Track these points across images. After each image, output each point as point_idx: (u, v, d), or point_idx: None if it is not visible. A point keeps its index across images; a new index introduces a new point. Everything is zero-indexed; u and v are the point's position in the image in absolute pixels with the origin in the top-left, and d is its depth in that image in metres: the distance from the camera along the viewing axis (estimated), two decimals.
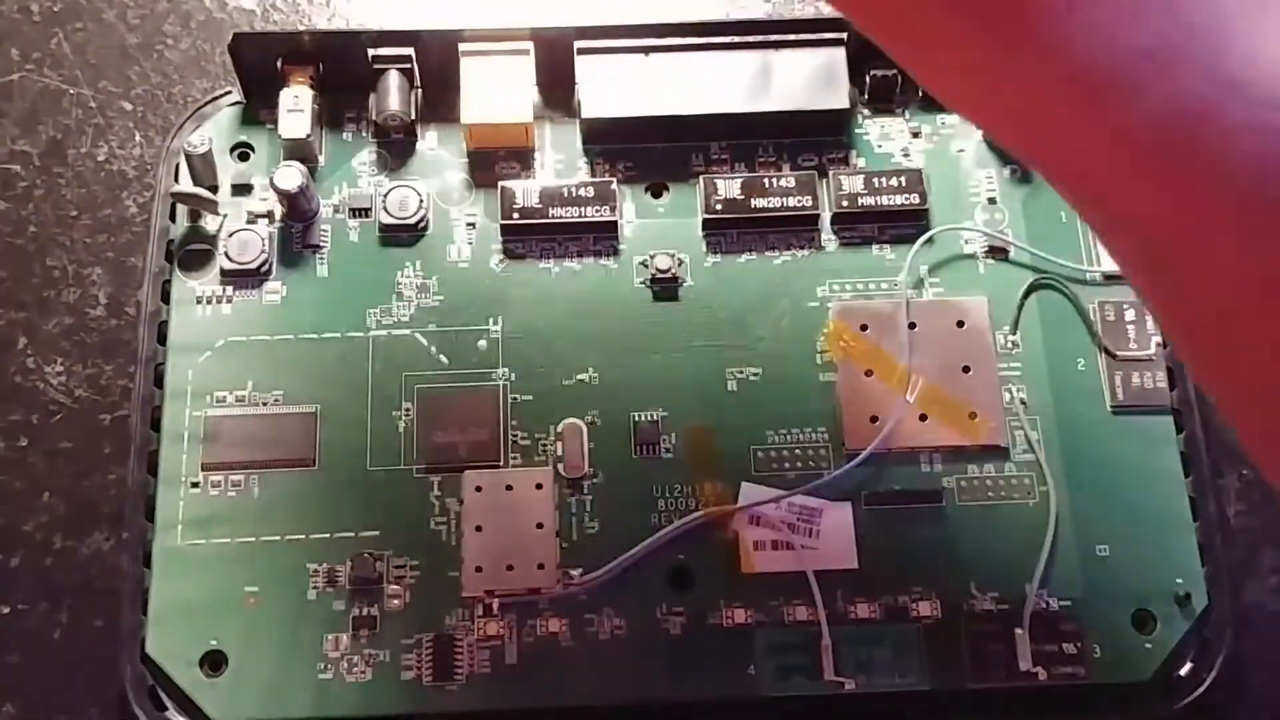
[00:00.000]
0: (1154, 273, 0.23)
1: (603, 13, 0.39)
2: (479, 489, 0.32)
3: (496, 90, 0.36)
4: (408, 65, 0.36)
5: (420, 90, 0.37)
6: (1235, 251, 0.20)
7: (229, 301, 0.35)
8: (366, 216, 0.36)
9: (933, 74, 0.23)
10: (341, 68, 0.36)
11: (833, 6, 0.23)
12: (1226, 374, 0.22)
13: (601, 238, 0.35)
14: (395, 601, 0.32)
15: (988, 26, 0.20)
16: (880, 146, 0.37)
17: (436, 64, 0.36)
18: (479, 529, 0.32)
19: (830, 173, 0.36)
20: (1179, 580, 0.32)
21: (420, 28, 0.36)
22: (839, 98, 0.36)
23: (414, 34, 0.36)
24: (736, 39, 0.36)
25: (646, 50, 0.36)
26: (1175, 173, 0.20)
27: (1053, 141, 0.22)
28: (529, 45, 0.36)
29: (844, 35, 0.36)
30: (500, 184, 0.35)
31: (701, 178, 0.36)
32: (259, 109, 0.36)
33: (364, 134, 0.37)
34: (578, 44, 0.36)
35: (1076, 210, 0.23)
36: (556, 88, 0.36)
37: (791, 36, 0.36)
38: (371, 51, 0.36)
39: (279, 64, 0.36)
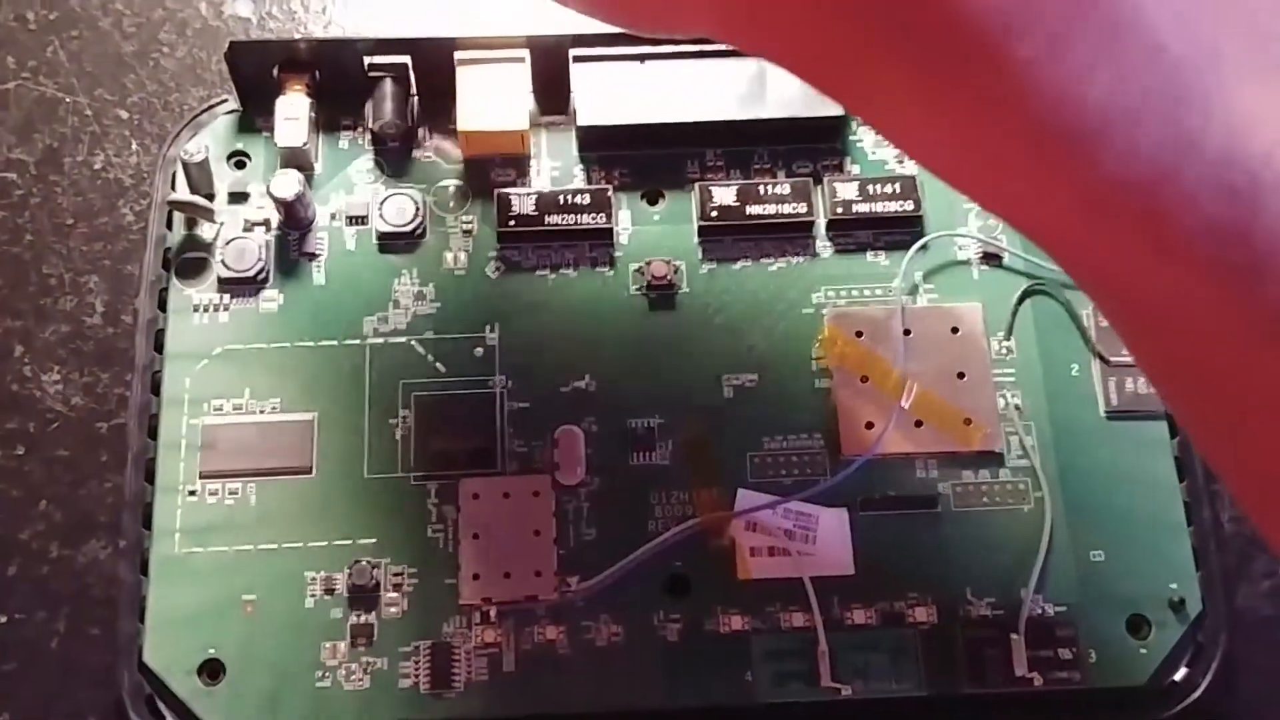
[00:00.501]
0: (1136, 335, 0.23)
1: (598, 21, 0.39)
2: (476, 496, 0.32)
3: (492, 98, 0.36)
4: (404, 73, 0.36)
5: (416, 98, 0.37)
6: (1211, 318, 0.20)
7: (226, 309, 0.35)
8: (363, 224, 0.36)
9: (887, 127, 0.22)
10: (338, 76, 0.36)
11: (770, 61, 0.23)
12: (1219, 444, 0.22)
13: (597, 245, 0.36)
14: (393, 609, 0.32)
15: (944, 81, 0.20)
16: (874, 153, 0.37)
17: (432, 72, 0.36)
18: (476, 536, 0.32)
19: (825, 179, 0.36)
20: (1173, 585, 0.32)
21: (416, 36, 0.36)
22: (834, 105, 0.36)
23: (410, 42, 0.36)
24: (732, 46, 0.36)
25: (642, 58, 0.36)
26: (1140, 237, 0.19)
27: (1017, 201, 0.21)
28: (524, 53, 0.36)
29: None
30: (496, 191, 0.36)
31: (697, 185, 0.36)
32: (255, 117, 0.36)
33: (360, 142, 0.37)
34: (573, 52, 0.36)
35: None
36: (552, 95, 0.37)
37: None
38: (368, 59, 0.36)
39: (275, 72, 0.36)
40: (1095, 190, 0.19)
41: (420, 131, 0.37)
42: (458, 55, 0.35)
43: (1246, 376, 0.20)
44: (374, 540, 0.32)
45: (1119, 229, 0.19)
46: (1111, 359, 0.34)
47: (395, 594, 0.32)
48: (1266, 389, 0.20)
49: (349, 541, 0.32)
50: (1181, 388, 0.22)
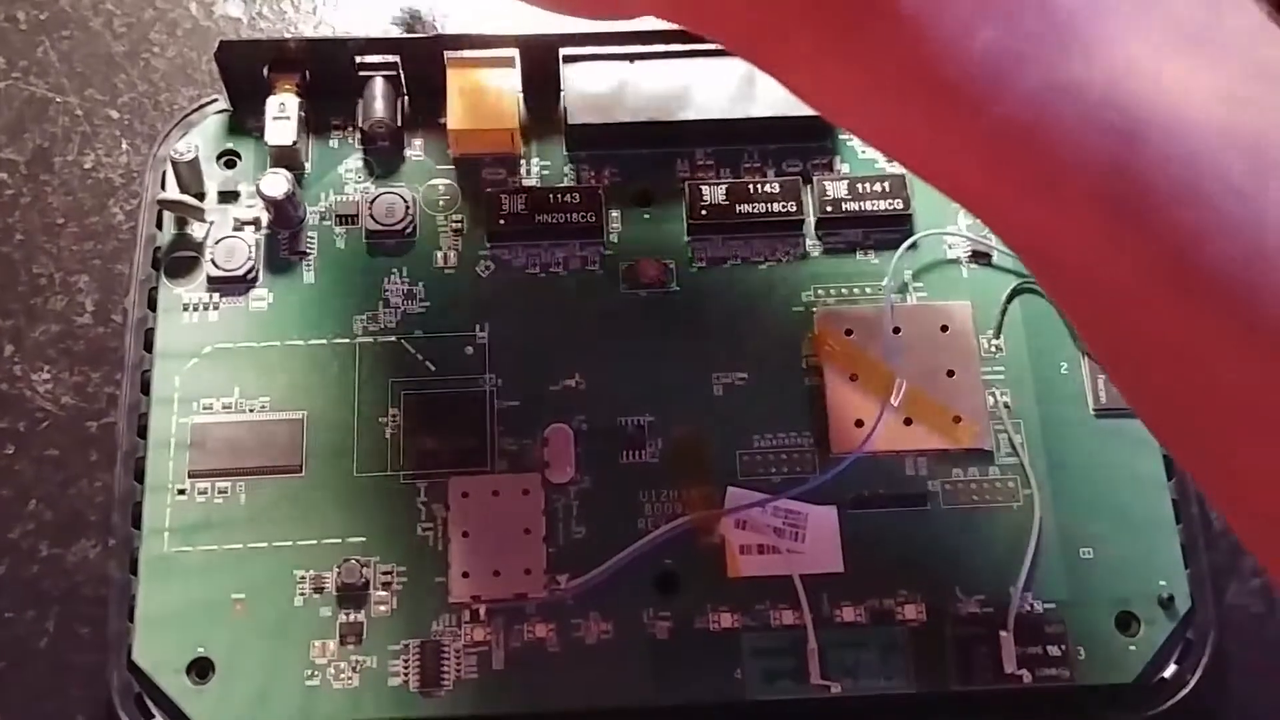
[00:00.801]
0: (1051, 284, 0.23)
1: (588, 21, 0.39)
2: (466, 495, 0.32)
3: (482, 96, 0.36)
4: (394, 73, 0.36)
5: (406, 97, 0.37)
6: (1108, 264, 0.20)
7: (216, 308, 0.35)
8: (353, 223, 0.36)
9: (806, 91, 0.23)
10: (328, 75, 0.36)
11: (666, 18, 0.24)
12: (1153, 413, 0.23)
13: (587, 244, 0.36)
14: (382, 608, 0.32)
15: (847, 40, 0.20)
16: (864, 152, 0.37)
17: (423, 71, 0.36)
18: (466, 535, 0.32)
19: (814, 178, 0.36)
20: (1162, 582, 0.32)
21: (405, 36, 0.36)
22: None
23: (400, 41, 0.36)
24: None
25: (631, 58, 0.36)
26: (1032, 178, 0.20)
27: (925, 155, 0.22)
28: (514, 53, 0.36)
29: None
30: (486, 190, 0.36)
31: (687, 184, 0.36)
32: (246, 116, 0.36)
33: (350, 141, 0.37)
34: (563, 51, 0.36)
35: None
36: (542, 95, 0.36)
37: None
38: (358, 59, 0.36)
39: (265, 72, 0.36)
40: (987, 135, 0.20)
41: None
42: (448, 55, 0.35)
43: (1153, 324, 0.20)
44: (363, 539, 0.32)
45: (1013, 173, 0.20)
46: None
47: (384, 592, 0.32)
48: (1170, 336, 0.20)
49: (338, 540, 0.32)
50: (1109, 351, 0.23)
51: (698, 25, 0.24)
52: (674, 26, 0.35)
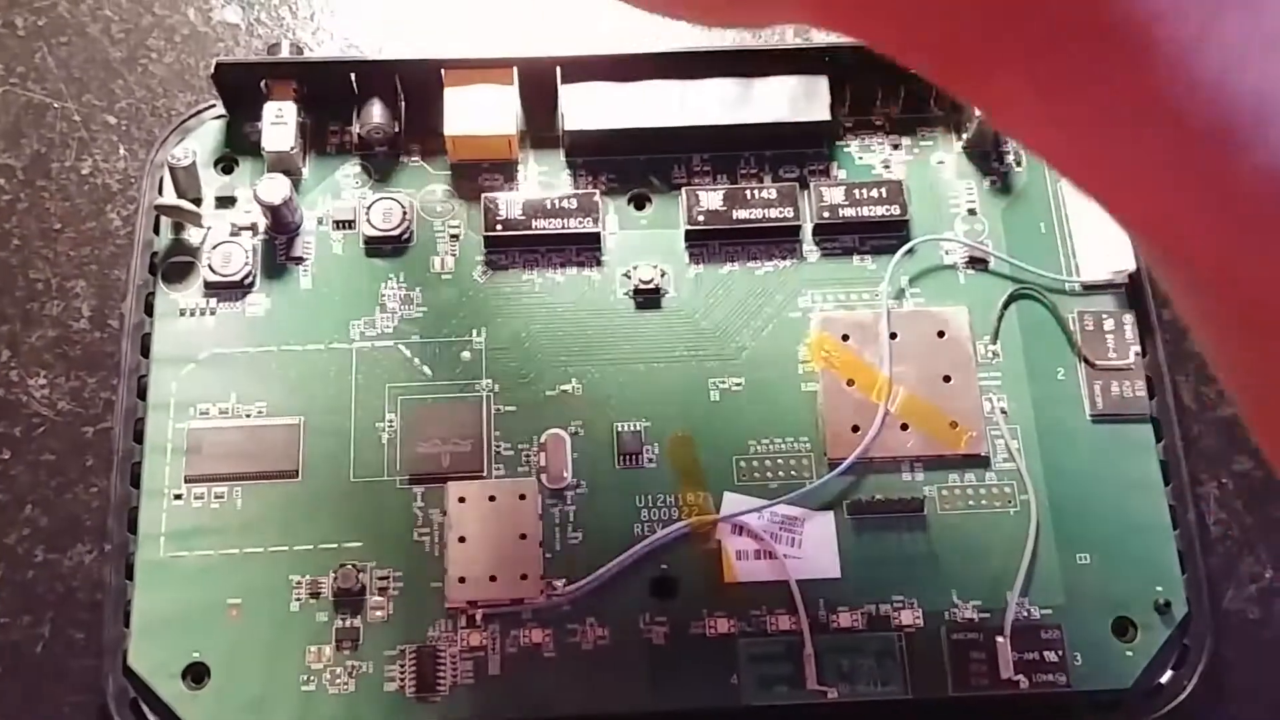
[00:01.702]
0: (1246, 336, 0.20)
1: (585, 42, 0.39)
2: (462, 500, 0.32)
3: (480, 103, 0.36)
4: (391, 85, 0.36)
5: (404, 103, 0.37)
6: None
7: (212, 314, 0.35)
8: (350, 229, 0.36)
9: (1003, 117, 0.20)
10: (325, 84, 0.36)
11: (875, 48, 0.20)
12: None
13: (584, 249, 0.36)
14: (378, 613, 0.32)
15: (1073, 68, 0.17)
16: (861, 158, 0.37)
17: (420, 83, 0.36)
18: (462, 540, 0.32)
19: (811, 184, 0.36)
20: (1159, 588, 0.32)
21: (404, 56, 0.36)
22: (820, 110, 0.36)
23: (397, 64, 0.36)
24: (718, 69, 0.36)
25: (628, 79, 0.36)
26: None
27: (1139, 191, 0.19)
28: (512, 73, 0.36)
29: (826, 64, 0.36)
30: (483, 196, 0.36)
31: (684, 189, 0.36)
32: (243, 122, 0.37)
33: (348, 147, 0.37)
34: (560, 71, 0.36)
35: (1148, 259, 0.21)
36: (539, 104, 0.36)
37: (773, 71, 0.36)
38: (355, 75, 0.36)
39: (263, 83, 0.36)
40: (1247, 189, 0.17)
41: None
42: (445, 74, 0.35)
43: None
44: (360, 544, 0.32)
45: (1264, 228, 0.17)
46: (1097, 363, 0.34)
47: (380, 598, 0.32)
48: None
49: (334, 545, 0.32)
50: None
51: (861, 33, 0.20)
52: (671, 48, 0.36)
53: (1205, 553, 0.33)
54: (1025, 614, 0.32)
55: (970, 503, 0.33)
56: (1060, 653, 0.31)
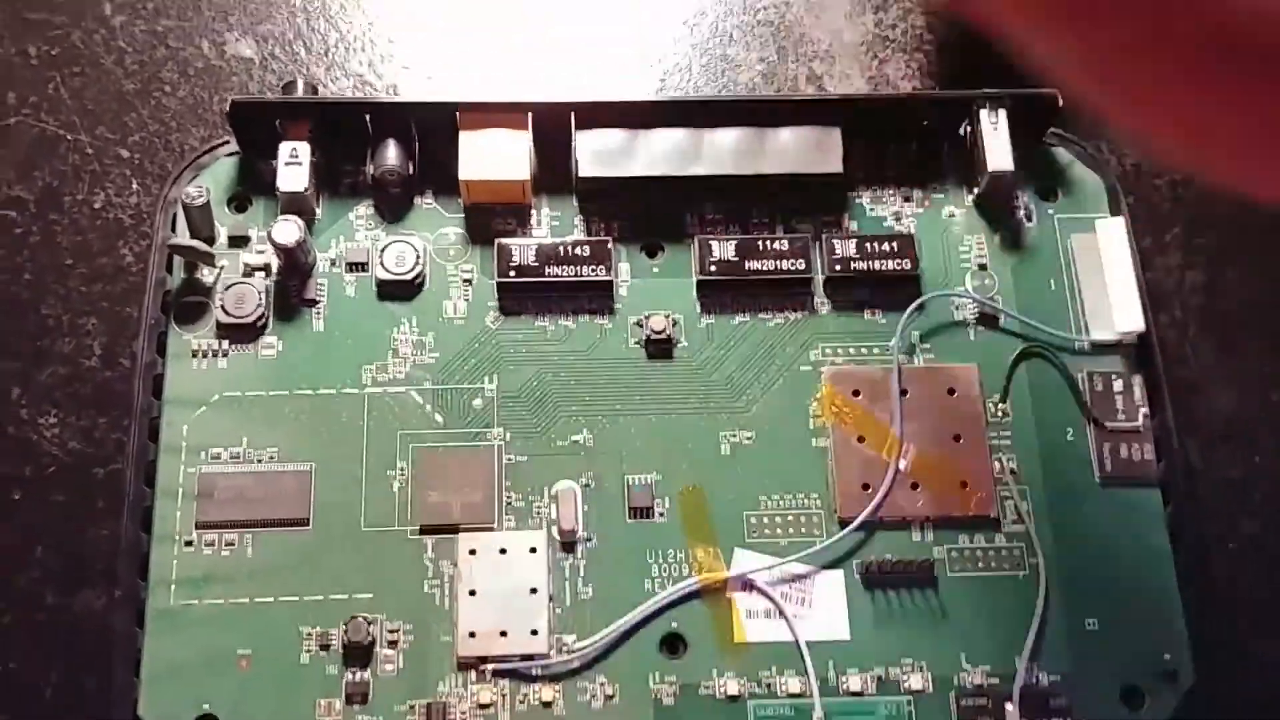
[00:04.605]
0: None
1: (600, 88, 0.40)
2: (473, 552, 0.32)
3: (494, 147, 0.36)
4: (406, 126, 0.36)
5: (418, 145, 0.37)
6: None
7: (225, 355, 0.35)
8: (363, 271, 0.36)
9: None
10: (340, 124, 0.36)
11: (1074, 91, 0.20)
12: None
13: (597, 296, 0.36)
14: (389, 666, 0.32)
15: None
16: (873, 210, 0.37)
17: (435, 125, 0.36)
18: (473, 593, 0.32)
19: (823, 236, 0.36)
20: (1167, 656, 0.32)
21: (419, 99, 0.36)
22: (833, 162, 0.36)
23: (412, 106, 0.36)
24: (732, 119, 0.36)
25: (642, 127, 0.36)
26: None
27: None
28: (526, 117, 0.36)
29: (839, 116, 0.36)
30: (497, 241, 0.36)
31: (696, 239, 0.36)
32: (257, 160, 0.36)
33: (361, 188, 0.37)
34: (575, 113, 0.36)
35: None
36: (554, 150, 0.36)
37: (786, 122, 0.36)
38: (370, 116, 0.36)
39: (277, 122, 0.36)
40: None
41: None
42: (460, 116, 0.35)
43: None
44: (370, 595, 0.32)
45: None
46: (1106, 424, 0.34)
47: (391, 650, 0.32)
48: None
49: (345, 596, 0.32)
50: None
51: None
52: (686, 98, 0.36)
53: (1214, 620, 0.33)
54: (1034, 679, 0.32)
55: (980, 565, 0.33)
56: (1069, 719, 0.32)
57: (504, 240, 0.36)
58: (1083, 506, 0.34)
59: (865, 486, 0.33)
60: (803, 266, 0.36)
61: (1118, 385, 0.35)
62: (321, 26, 0.41)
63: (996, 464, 0.34)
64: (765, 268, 0.36)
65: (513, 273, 0.35)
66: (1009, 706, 0.31)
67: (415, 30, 0.41)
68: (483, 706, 0.31)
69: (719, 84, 0.41)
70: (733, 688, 0.32)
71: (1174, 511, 0.34)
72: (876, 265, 0.36)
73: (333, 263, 0.36)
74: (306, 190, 0.35)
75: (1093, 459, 0.34)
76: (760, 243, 0.36)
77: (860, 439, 0.34)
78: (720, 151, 0.36)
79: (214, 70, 0.40)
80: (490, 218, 0.36)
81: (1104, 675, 0.32)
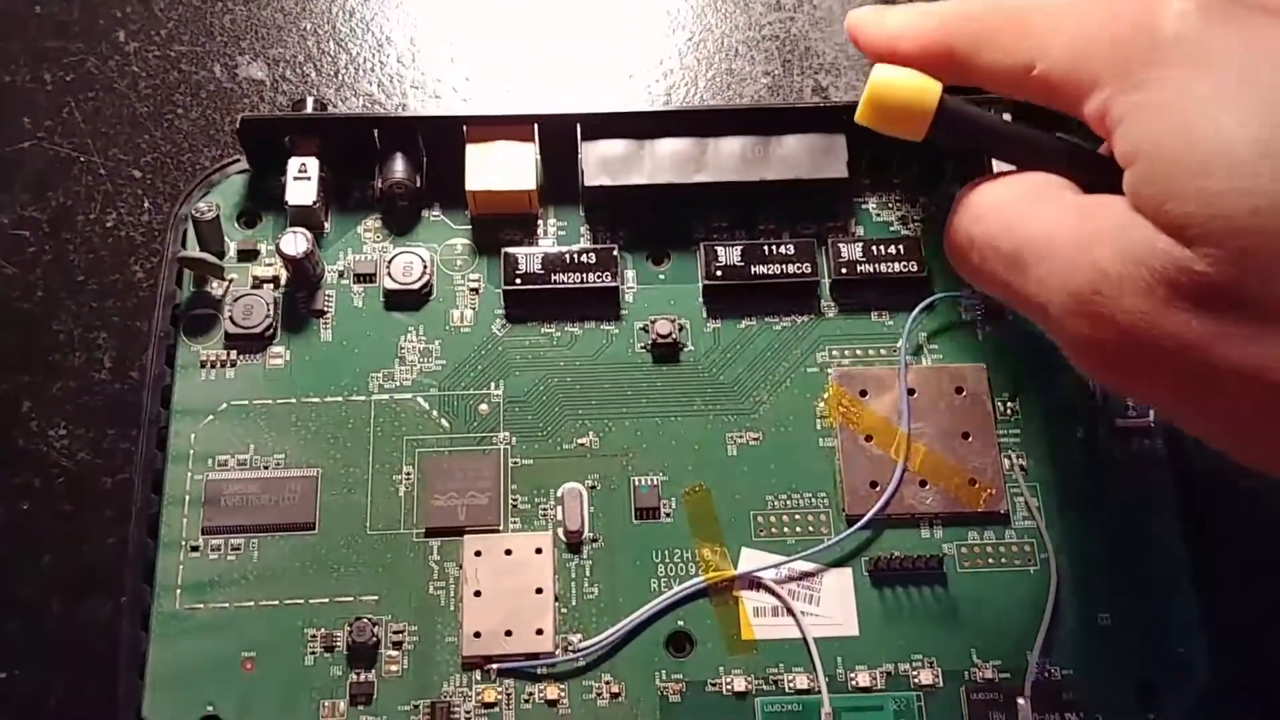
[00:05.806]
0: None
1: (605, 99, 0.40)
2: (478, 553, 0.32)
3: (501, 158, 0.36)
4: (413, 140, 0.36)
5: (425, 158, 0.37)
6: None
7: (233, 365, 0.35)
8: (371, 282, 0.36)
9: None
10: (348, 139, 0.36)
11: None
12: None
13: (603, 303, 0.36)
14: (393, 667, 0.31)
15: None
16: (879, 215, 0.37)
17: (442, 138, 0.36)
18: (478, 594, 0.32)
19: (829, 240, 0.36)
20: (1181, 650, 0.32)
21: (426, 113, 0.36)
22: (838, 167, 0.36)
23: (419, 120, 0.36)
24: (737, 127, 0.36)
25: (648, 136, 0.36)
26: None
27: None
28: (532, 129, 0.36)
29: (844, 122, 0.36)
30: (503, 250, 0.36)
31: (702, 244, 0.36)
32: (266, 176, 0.37)
33: (369, 201, 0.37)
34: (580, 126, 0.36)
35: None
36: (560, 160, 0.37)
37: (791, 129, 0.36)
38: (377, 131, 0.36)
39: (286, 138, 0.36)
40: None
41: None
42: (467, 129, 0.36)
43: None
44: (375, 597, 0.32)
45: None
46: (1116, 420, 0.34)
47: (395, 651, 0.32)
48: None
49: (350, 598, 0.32)
50: None
51: None
52: (691, 107, 0.36)
53: (1228, 614, 0.32)
54: (1046, 674, 0.31)
55: (990, 561, 0.33)
56: (1081, 715, 0.31)
57: (510, 249, 0.36)
58: (1094, 502, 0.33)
59: (873, 484, 0.33)
60: (809, 270, 0.36)
61: None
62: (332, 49, 0.41)
63: (1006, 461, 0.34)
64: (771, 272, 0.36)
65: (519, 280, 0.35)
66: (1021, 701, 0.31)
67: (424, 51, 0.41)
68: (487, 706, 0.31)
69: (725, 97, 0.41)
70: (740, 684, 0.31)
71: (1185, 506, 0.33)
72: (883, 268, 0.36)
73: (341, 274, 0.36)
74: (315, 204, 0.36)
75: (1103, 455, 0.34)
76: (766, 247, 0.36)
77: (868, 438, 0.34)
78: (725, 159, 0.36)
79: (226, 93, 0.40)
80: (497, 228, 0.37)
81: (1118, 670, 0.31)
